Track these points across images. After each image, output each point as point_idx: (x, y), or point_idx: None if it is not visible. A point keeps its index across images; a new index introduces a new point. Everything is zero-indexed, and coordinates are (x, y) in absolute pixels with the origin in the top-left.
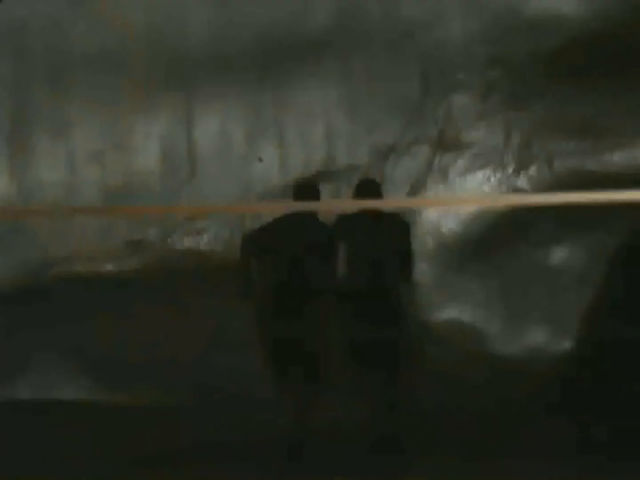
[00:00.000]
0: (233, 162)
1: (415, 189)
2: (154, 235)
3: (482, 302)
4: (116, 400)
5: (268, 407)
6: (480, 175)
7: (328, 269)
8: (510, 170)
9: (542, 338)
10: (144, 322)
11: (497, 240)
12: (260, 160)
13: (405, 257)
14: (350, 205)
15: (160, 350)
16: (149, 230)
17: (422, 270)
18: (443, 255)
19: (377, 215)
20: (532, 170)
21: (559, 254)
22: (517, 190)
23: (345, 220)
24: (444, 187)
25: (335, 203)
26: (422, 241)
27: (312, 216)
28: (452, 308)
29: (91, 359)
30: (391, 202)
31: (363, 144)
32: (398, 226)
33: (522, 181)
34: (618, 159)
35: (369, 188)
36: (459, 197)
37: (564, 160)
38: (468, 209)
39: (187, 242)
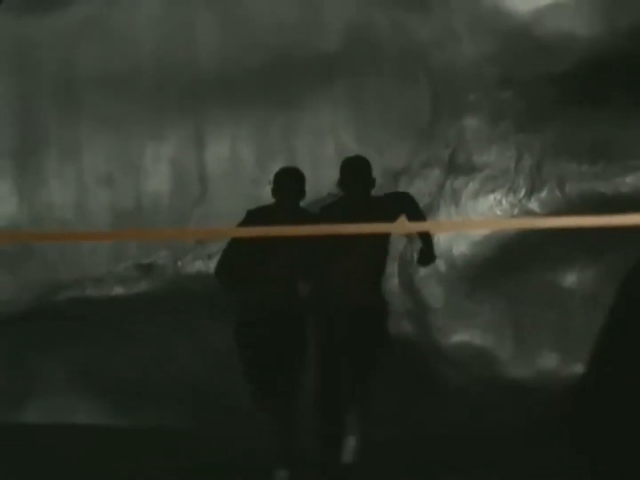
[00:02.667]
0: (244, 184)
1: (427, 211)
2: (164, 258)
3: (493, 325)
4: (125, 423)
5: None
6: (491, 198)
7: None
8: (521, 193)
9: (553, 361)
10: (154, 345)
11: (508, 263)
12: (271, 182)
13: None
14: (360, 228)
15: (170, 373)
16: (159, 253)
17: (433, 293)
18: (454, 278)
19: (362, 202)
20: (544, 193)
21: (570, 277)
22: (528, 213)
23: (329, 210)
24: (455, 210)
25: (345, 227)
26: (434, 264)
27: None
28: (463, 331)
29: (101, 381)
30: (402, 225)
31: (374, 166)
32: (385, 203)
33: (533, 204)
34: (630, 181)
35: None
36: (470, 220)
37: (575, 183)
38: (479, 231)
39: (198, 266)
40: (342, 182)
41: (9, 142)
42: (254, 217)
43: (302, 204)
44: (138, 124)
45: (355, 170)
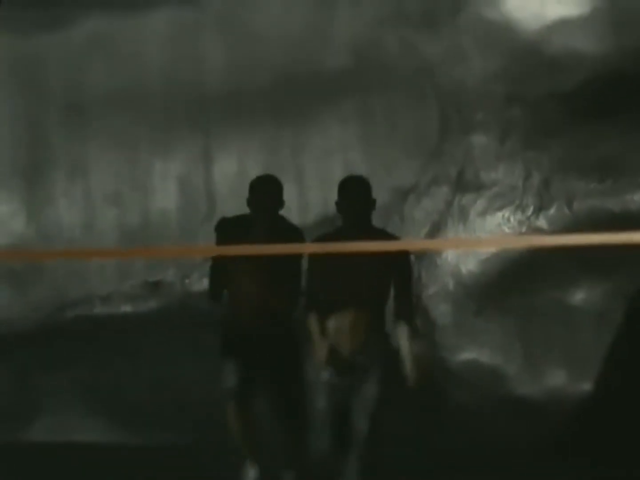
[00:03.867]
0: None
1: (435, 229)
2: (172, 276)
3: (501, 343)
4: (132, 441)
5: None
6: (499, 215)
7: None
8: (530, 210)
9: (561, 379)
10: (162, 362)
11: (516, 280)
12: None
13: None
14: (368, 246)
15: (178, 391)
16: (166, 271)
17: (441, 311)
18: (462, 296)
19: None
20: (552, 210)
21: (578, 295)
22: (536, 230)
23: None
24: (464, 227)
25: (353, 245)
26: (442, 282)
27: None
28: (471, 349)
29: (108, 399)
30: (410, 243)
31: (382, 184)
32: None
33: (541, 221)
34: (639, 199)
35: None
36: (478, 238)
37: (584, 200)
38: (487, 249)
39: (205, 283)
40: (339, 205)
41: (17, 160)
42: (228, 226)
43: (308, 222)
44: (145, 141)
45: (352, 193)
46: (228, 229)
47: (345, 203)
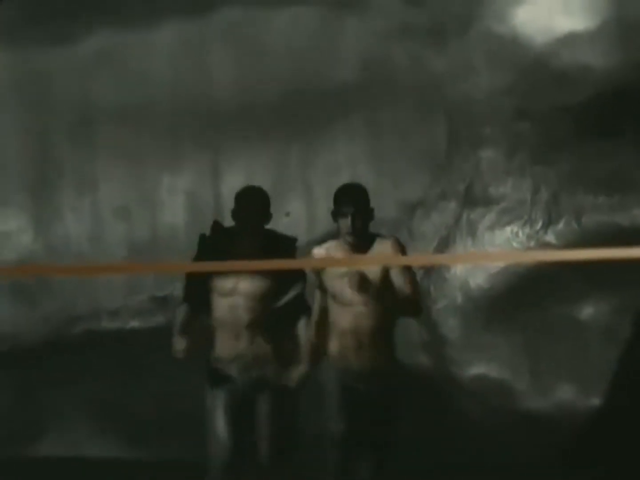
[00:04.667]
0: None
1: (443, 244)
2: (180, 290)
3: (509, 358)
4: (141, 457)
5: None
6: (508, 230)
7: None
8: (538, 225)
9: (569, 394)
10: (169, 378)
11: (525, 295)
12: (288, 214)
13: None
14: (379, 260)
15: (185, 406)
16: (175, 285)
17: (450, 326)
18: (471, 310)
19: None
20: (561, 225)
21: (587, 310)
22: (545, 245)
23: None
24: (472, 242)
25: (360, 259)
26: (450, 296)
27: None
28: (480, 363)
29: (116, 414)
30: (418, 259)
31: (390, 199)
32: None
33: (550, 236)
34: None
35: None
36: (486, 252)
37: (592, 215)
38: (496, 264)
39: None
40: (335, 214)
41: (25, 175)
42: (212, 239)
43: (316, 236)
44: (154, 156)
45: (346, 200)
46: (212, 243)
47: (338, 211)
